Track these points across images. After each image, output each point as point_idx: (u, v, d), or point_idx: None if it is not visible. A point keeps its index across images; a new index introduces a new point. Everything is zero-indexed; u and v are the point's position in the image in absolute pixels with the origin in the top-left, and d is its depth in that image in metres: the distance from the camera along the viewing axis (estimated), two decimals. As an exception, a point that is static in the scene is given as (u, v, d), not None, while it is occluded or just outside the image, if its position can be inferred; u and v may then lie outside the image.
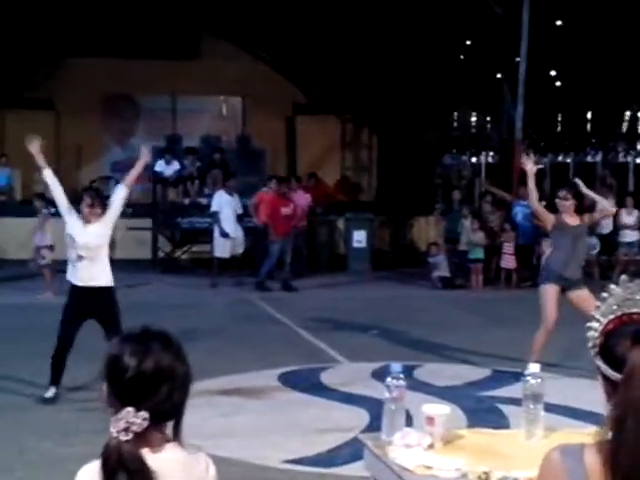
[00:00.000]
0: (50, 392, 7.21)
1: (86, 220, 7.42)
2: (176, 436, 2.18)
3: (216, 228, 14.82)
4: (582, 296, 7.86)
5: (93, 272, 7.37)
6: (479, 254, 15.01)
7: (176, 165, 17.75)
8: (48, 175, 7.69)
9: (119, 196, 7.60)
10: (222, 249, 14.84)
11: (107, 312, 7.25)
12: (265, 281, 14.44)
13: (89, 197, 7.60)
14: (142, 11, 19.07)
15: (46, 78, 20.29)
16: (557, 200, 8.21)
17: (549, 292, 7.97)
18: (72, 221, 7.46)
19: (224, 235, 14.75)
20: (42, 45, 19.10)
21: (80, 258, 7.32)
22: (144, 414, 2.05)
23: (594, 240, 15.03)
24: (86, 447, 5.45)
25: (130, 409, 2.05)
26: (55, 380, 7.25)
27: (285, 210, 14.51)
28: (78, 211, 7.51)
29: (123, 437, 2.04)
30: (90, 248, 7.36)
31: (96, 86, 19.83)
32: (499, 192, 15.86)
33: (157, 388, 2.10)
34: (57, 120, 20.44)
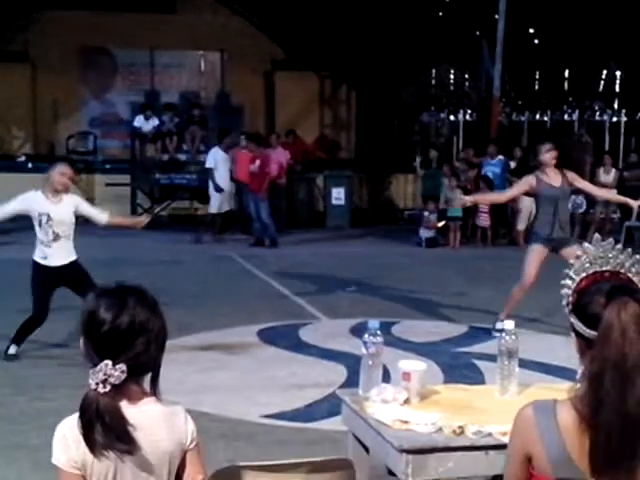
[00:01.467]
0: (13, 349, 7.08)
1: (55, 192, 7.01)
2: (154, 390, 2.22)
3: (211, 184, 14.88)
4: (572, 252, 7.93)
5: (69, 249, 7.08)
6: (457, 212, 15.08)
7: (155, 121, 17.64)
8: None
9: (96, 214, 7.27)
10: (219, 205, 14.99)
11: (82, 281, 6.88)
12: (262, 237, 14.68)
13: (70, 168, 7.32)
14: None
15: (21, 31, 19.95)
16: (541, 154, 8.05)
17: (534, 252, 8.03)
18: (38, 199, 7.06)
19: (218, 190, 14.83)
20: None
21: (57, 237, 6.98)
22: (122, 366, 2.09)
23: (580, 199, 15.14)
24: (65, 401, 5.50)
25: (108, 362, 2.09)
26: (19, 341, 7.09)
27: (252, 167, 14.61)
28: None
29: (101, 389, 2.08)
30: (67, 224, 7.03)
31: (73, 39, 19.52)
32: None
33: (133, 341, 2.14)
34: (33, 73, 20.14)
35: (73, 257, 7.12)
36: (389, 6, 18.07)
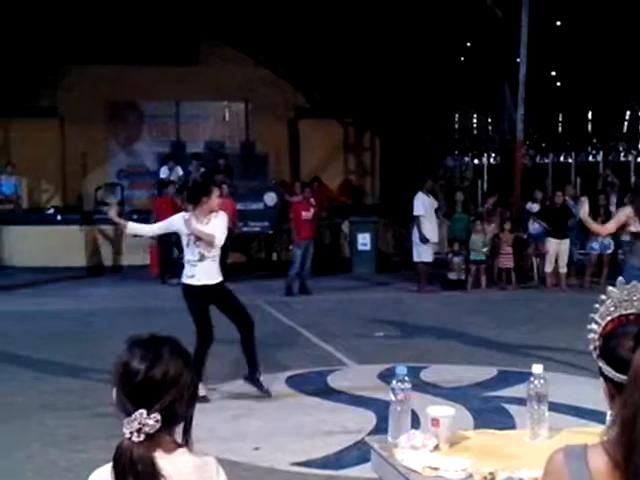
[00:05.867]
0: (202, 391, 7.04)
1: (212, 211, 7.41)
2: (186, 441, 2.23)
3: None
4: None
5: (215, 270, 7.48)
6: (481, 256, 15.08)
7: (179, 171, 17.82)
8: (132, 229, 7.94)
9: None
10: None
11: (229, 302, 7.51)
12: (292, 285, 14.58)
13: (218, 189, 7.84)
14: (143, 17, 19.13)
15: (49, 86, 20.38)
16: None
17: None
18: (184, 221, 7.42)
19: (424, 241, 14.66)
20: (44, 53, 19.19)
21: (203, 257, 7.37)
22: (156, 415, 2.10)
23: (608, 240, 15.10)
24: (97, 452, 5.52)
25: (143, 411, 2.09)
26: (200, 375, 7.06)
27: (306, 214, 14.69)
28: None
29: (135, 438, 2.08)
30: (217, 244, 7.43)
31: (99, 93, 19.91)
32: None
33: (166, 392, 2.15)
34: (61, 127, 20.52)
35: (219, 278, 7.49)
36: (411, 52, 18.26)
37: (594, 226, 8.67)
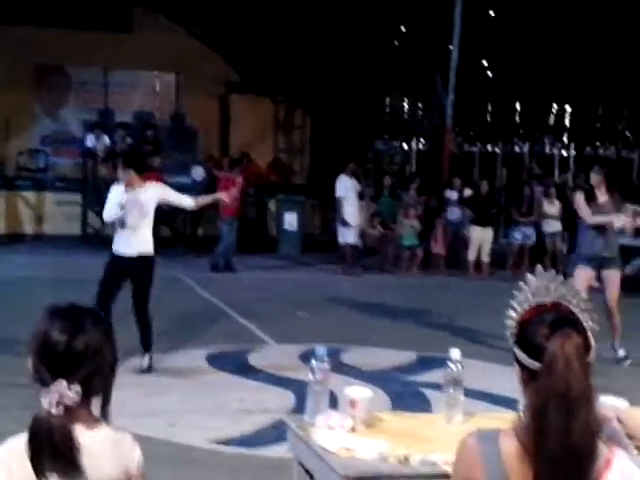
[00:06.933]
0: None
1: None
2: (104, 415, 2.19)
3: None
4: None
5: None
6: (414, 240, 15.31)
7: (106, 140, 17.52)
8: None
9: (180, 199, 7.90)
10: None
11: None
12: (219, 262, 14.47)
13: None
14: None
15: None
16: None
17: None
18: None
19: None
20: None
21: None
22: (76, 387, 2.06)
23: (530, 230, 15.39)
24: (8, 423, 5.39)
25: (63, 381, 2.05)
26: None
27: (232, 190, 14.59)
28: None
29: (54, 410, 2.03)
30: None
31: (26, 56, 19.36)
32: None
33: (87, 363, 2.11)
34: (-16, 89, 19.94)
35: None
36: (345, 33, 18.24)
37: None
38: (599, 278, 8.45)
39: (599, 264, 8.34)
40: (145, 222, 7.57)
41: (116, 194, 7.57)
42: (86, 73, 20.72)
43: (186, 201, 7.92)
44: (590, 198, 8.44)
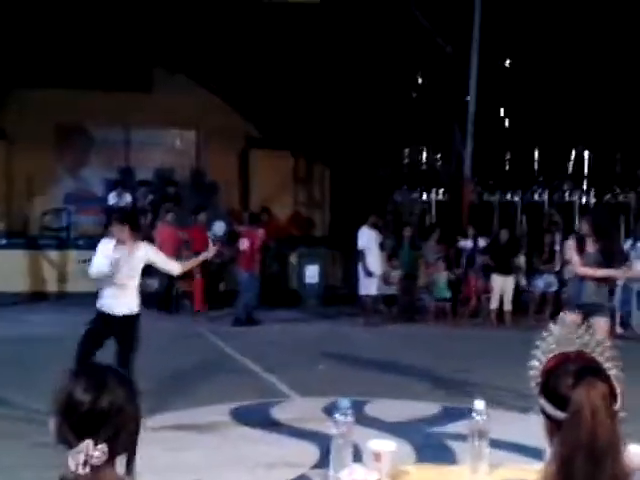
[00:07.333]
0: None
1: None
2: (129, 473, 2.18)
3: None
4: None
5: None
6: (446, 294, 15.40)
7: (128, 198, 17.69)
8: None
9: (167, 263, 7.86)
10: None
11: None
12: (241, 316, 14.48)
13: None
14: (95, 43, 19.03)
15: (-2, 108, 20.13)
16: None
17: None
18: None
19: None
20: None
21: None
22: (103, 447, 2.05)
23: (552, 277, 15.34)
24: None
25: (89, 441, 2.04)
26: None
27: (253, 245, 14.71)
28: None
29: (81, 471, 2.02)
30: None
31: (48, 117, 19.67)
32: None
33: (112, 422, 2.10)
34: (8, 149, 20.24)
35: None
36: (362, 86, 18.43)
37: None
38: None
39: (588, 311, 8.25)
40: (134, 281, 7.51)
41: (105, 248, 7.47)
42: (107, 132, 21.01)
43: (173, 266, 7.87)
44: (582, 246, 8.43)
